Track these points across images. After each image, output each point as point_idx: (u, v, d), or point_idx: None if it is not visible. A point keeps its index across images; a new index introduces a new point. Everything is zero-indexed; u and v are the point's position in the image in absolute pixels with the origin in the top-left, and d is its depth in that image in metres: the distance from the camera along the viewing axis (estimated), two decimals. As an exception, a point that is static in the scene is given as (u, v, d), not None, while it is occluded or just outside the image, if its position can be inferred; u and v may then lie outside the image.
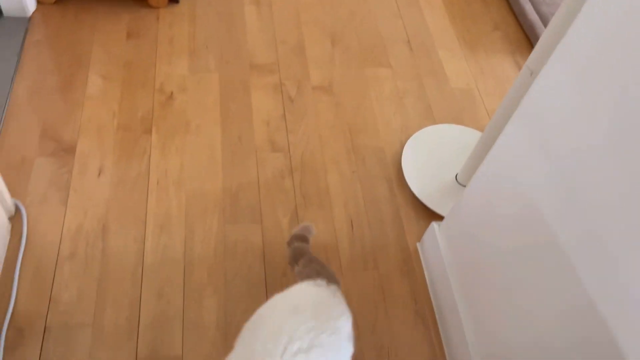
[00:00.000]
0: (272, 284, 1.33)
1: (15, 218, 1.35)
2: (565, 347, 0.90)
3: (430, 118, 1.73)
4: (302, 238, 1.27)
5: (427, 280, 1.39)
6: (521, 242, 1.02)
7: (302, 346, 0.96)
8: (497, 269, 1.11)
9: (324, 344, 0.98)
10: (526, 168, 1.00)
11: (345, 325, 1.06)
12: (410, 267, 1.41)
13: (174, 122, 1.58)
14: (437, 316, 1.34)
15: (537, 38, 1.96)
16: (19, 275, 1.26)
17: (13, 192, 1.38)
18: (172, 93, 1.65)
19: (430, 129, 1.69)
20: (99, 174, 1.45)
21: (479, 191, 1.18)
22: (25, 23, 1.73)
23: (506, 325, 1.08)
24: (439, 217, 1.49)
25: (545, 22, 2.00)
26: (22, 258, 1.29)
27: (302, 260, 1.19)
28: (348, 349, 1.09)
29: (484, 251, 1.16)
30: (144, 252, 1.33)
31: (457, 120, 1.74)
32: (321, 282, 1.09)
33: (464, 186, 1.54)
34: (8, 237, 1.30)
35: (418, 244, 1.45)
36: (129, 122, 1.56)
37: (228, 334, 1.24)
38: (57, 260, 1.29)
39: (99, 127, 1.54)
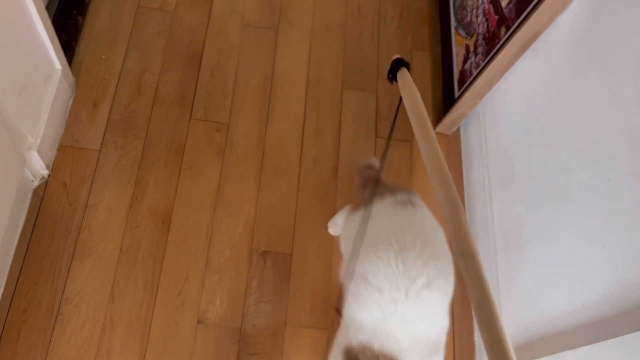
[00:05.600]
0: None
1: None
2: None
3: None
4: (370, 168, 1.27)
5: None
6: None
7: (424, 282, 0.91)
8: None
9: (440, 270, 0.93)
10: None
11: (442, 234, 1.00)
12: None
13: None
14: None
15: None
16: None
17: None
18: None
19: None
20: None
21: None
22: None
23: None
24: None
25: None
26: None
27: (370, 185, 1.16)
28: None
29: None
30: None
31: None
32: (402, 197, 1.04)
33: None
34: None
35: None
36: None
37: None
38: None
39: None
